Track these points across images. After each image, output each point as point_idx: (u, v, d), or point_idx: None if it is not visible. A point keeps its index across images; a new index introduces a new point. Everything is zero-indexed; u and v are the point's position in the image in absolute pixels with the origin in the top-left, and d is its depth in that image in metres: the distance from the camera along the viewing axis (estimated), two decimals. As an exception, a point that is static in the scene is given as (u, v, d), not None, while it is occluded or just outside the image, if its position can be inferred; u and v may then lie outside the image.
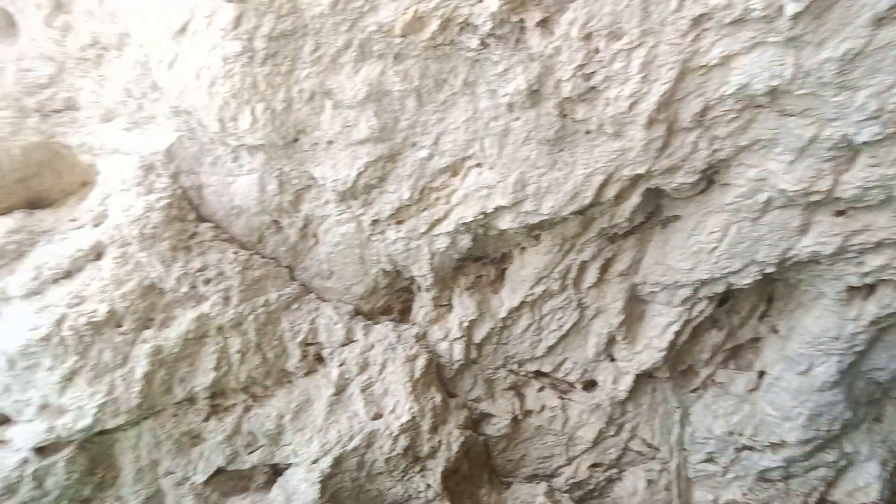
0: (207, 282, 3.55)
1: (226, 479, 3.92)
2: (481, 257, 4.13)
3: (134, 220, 3.34)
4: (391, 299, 4.31)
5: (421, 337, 4.15)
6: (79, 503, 3.79)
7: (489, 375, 4.37)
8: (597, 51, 3.16)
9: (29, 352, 3.20)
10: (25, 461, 3.47)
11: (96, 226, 3.46)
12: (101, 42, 3.55)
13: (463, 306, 4.08)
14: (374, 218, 3.71)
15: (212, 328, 3.57)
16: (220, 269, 3.59)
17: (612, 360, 4.40)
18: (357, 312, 4.16)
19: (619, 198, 3.65)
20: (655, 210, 3.93)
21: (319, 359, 4.00)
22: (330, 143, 3.50)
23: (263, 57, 3.22)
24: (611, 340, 4.29)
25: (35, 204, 3.64)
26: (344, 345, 3.97)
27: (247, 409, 3.80)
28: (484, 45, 3.16)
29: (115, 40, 3.53)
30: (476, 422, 4.39)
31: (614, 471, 4.69)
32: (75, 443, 3.55)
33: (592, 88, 3.25)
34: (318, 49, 3.26)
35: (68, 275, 3.32)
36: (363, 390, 3.90)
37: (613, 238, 3.98)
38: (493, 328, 4.15)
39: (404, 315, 4.38)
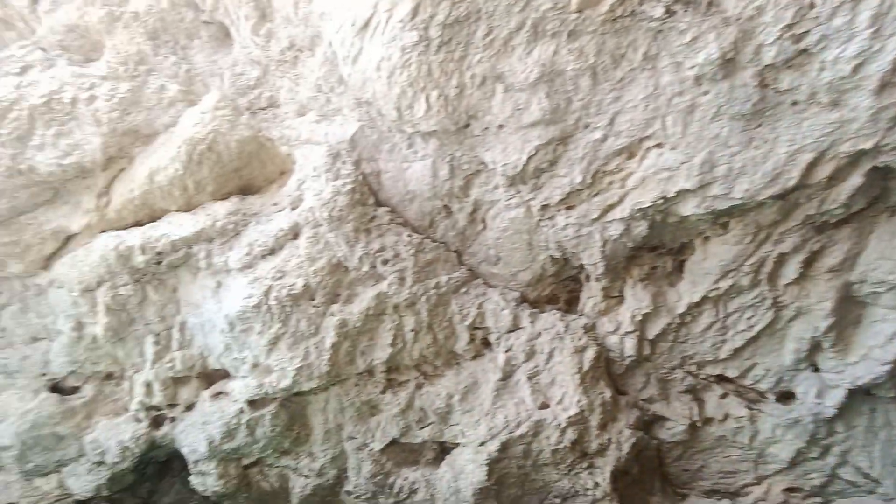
0: (385, 262, 3.79)
1: (399, 450, 4.18)
2: (657, 247, 3.82)
3: (324, 204, 3.68)
4: (557, 288, 4.20)
5: (589, 328, 3.98)
6: (280, 453, 4.35)
7: (663, 375, 4.04)
8: (811, 6, 2.69)
9: (244, 317, 3.72)
10: (241, 411, 4.06)
11: (293, 209, 3.88)
12: (296, 45, 3.95)
13: (636, 298, 3.81)
14: (543, 203, 3.63)
15: (389, 306, 3.81)
16: (397, 250, 3.80)
17: (816, 370, 3.78)
18: (523, 299, 4.12)
19: (834, 179, 3.09)
20: (882, 194, 3.27)
21: (486, 343, 4.05)
22: (500, 127, 3.49)
23: (438, 45, 3.30)
24: (815, 347, 3.68)
25: (245, 190, 4.20)
26: (510, 331, 3.96)
27: (419, 386, 4.00)
28: (669, 13, 2.88)
29: (308, 42, 3.91)
30: (648, 424, 4.10)
31: (817, 499, 4.05)
32: (278, 400, 4.06)
33: (803, 52, 2.78)
34: (491, 32, 3.25)
35: (273, 251, 3.78)
36: (530, 378, 3.86)
37: (822, 227, 3.40)
38: (669, 324, 3.82)
39: (570, 305, 4.24)
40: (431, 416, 4.03)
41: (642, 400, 4.09)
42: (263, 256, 3.79)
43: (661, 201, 3.30)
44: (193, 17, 4.00)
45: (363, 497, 4.28)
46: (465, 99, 3.43)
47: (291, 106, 3.97)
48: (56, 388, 4.49)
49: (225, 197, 4.04)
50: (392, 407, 4.05)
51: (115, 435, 4.44)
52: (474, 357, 4.04)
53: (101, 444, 4.43)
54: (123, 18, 3.88)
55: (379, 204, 3.89)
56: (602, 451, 3.84)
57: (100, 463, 4.53)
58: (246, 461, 4.50)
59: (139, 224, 4.07)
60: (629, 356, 3.93)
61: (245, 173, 4.09)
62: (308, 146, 3.87)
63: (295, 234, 3.79)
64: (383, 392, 4.07)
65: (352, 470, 4.32)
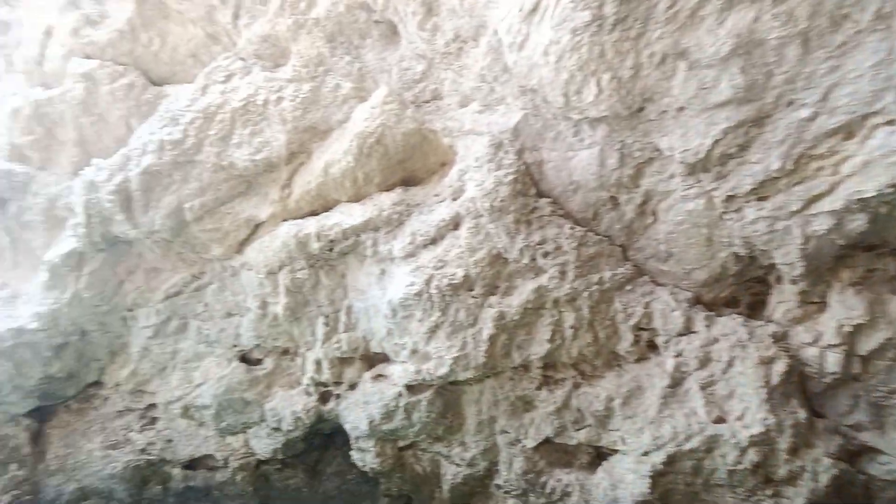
0: (546, 255, 3.66)
1: (552, 449, 4.04)
2: (876, 245, 3.18)
3: (485, 194, 3.64)
4: (739, 290, 3.72)
5: (780, 337, 3.46)
6: (433, 439, 4.45)
7: (878, 399, 3.38)
8: None
9: (406, 304, 3.84)
10: (400, 395, 4.22)
11: (454, 199, 3.90)
12: (461, 36, 3.95)
13: (845, 306, 3.23)
14: (729, 193, 3.21)
15: (548, 301, 3.67)
16: (558, 243, 3.65)
17: None
18: (696, 301, 3.72)
19: None
20: None
21: (652, 346, 3.73)
22: (680, 109, 3.15)
23: (613, 23, 3.07)
24: None
25: (408, 182, 4.33)
26: (681, 335, 3.60)
27: (576, 386, 3.82)
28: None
29: (472, 32, 3.89)
30: (854, 455, 3.47)
31: None
32: (434, 387, 4.15)
33: None
34: (675, 4, 2.93)
35: (434, 241, 3.85)
36: (703, 388, 3.47)
37: None
38: (889, 339, 3.18)
39: (754, 310, 3.73)
40: (588, 417, 3.82)
41: (847, 426, 3.47)
42: (425, 246, 3.88)
43: (891, 190, 2.73)
44: (366, 17, 4.21)
45: (513, 493, 4.21)
46: (640, 80, 3.16)
47: (454, 97, 3.99)
48: (244, 358, 5.07)
49: (390, 188, 4.21)
50: (547, 404, 3.92)
51: (290, 405, 4.89)
52: (638, 360, 3.74)
53: (278, 412, 4.91)
54: (307, 25, 4.21)
55: (540, 195, 3.76)
56: (792, 479, 3.33)
57: (276, 429, 5.02)
58: (402, 443, 4.68)
59: (314, 213, 4.41)
60: (832, 373, 3.35)
61: (408, 165, 4.21)
62: (470, 137, 3.87)
63: (456, 224, 3.81)
64: (539, 388, 3.95)
65: (503, 464, 4.27)
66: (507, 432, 4.16)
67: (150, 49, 4.67)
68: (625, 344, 3.69)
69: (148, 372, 5.16)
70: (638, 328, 3.68)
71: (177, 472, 5.35)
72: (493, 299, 3.76)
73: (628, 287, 3.70)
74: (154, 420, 5.35)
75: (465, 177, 3.84)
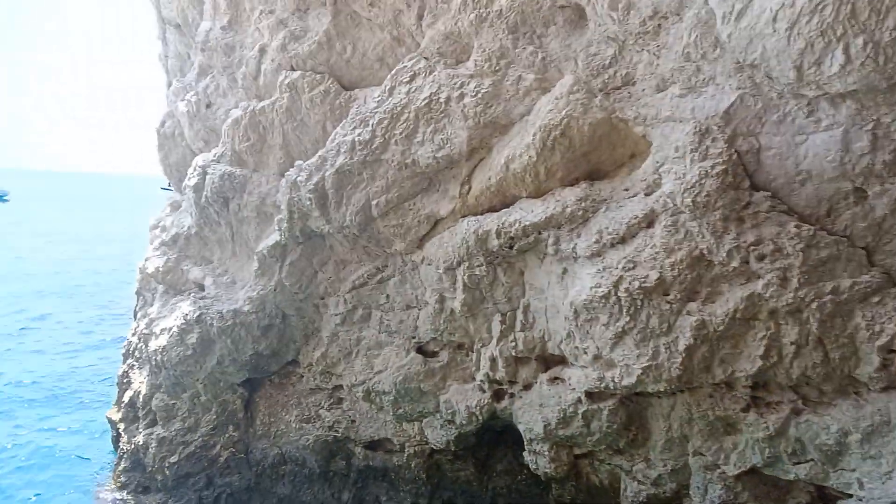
0: (761, 258, 3.14)
1: (759, 481, 3.51)
2: None
3: (687, 189, 3.24)
4: None
5: None
6: (613, 450, 4.16)
7: None
8: None
9: (590, 306, 3.60)
10: (579, 401, 4.00)
11: (648, 194, 3.55)
12: (660, 12, 3.55)
13: None
14: None
15: (763, 311, 3.16)
16: (778, 244, 3.11)
17: None
18: (974, 319, 2.92)
19: None
20: None
21: (907, 372, 3.02)
22: (967, 75, 2.45)
23: (868, -25, 2.49)
24: None
25: (590, 176, 4.05)
26: (953, 361, 2.85)
27: (796, 412, 3.25)
28: None
29: (675, 6, 3.47)
30: None
31: None
32: (617, 397, 3.85)
33: None
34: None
35: (623, 240, 3.54)
36: None
37: None
38: None
39: None
40: (812, 451, 3.22)
41: None
42: (613, 245, 3.59)
43: None
44: (550, 4, 4.01)
45: (707, 523, 3.75)
46: (905, 43, 2.52)
47: (650, 81, 3.62)
48: (421, 350, 5.24)
49: (573, 182, 3.98)
50: (756, 430, 3.40)
51: (464, 400, 4.93)
52: (886, 388, 3.05)
53: (452, 405, 4.98)
54: (489, 18, 4.14)
55: (755, 188, 3.24)
56: None
57: (450, 421, 5.11)
58: (578, 450, 4.46)
59: (492, 209, 4.36)
60: None
61: (593, 158, 3.94)
62: (668, 124, 3.47)
63: (649, 221, 3.46)
64: (745, 410, 3.44)
65: (695, 489, 3.82)
66: (702, 454, 3.71)
67: (343, 56, 5.00)
68: (868, 368, 3.03)
69: (336, 355, 5.59)
70: (888, 350, 2.99)
71: (359, 450, 5.74)
72: (692, 306, 3.34)
73: (875, 299, 3.02)
74: (340, 400, 5.80)
75: (661, 169, 3.46)
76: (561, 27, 4.03)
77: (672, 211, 3.34)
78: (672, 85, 3.53)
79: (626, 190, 3.72)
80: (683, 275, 3.31)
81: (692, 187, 3.23)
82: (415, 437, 5.45)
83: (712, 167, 3.20)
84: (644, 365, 3.47)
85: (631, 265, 3.45)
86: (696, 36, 3.33)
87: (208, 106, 6.17)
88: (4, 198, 50.71)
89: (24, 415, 8.35)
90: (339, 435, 5.74)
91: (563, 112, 3.76)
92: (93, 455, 7.35)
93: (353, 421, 5.71)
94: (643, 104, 3.67)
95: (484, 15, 4.17)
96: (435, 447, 5.34)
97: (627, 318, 3.47)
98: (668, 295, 3.38)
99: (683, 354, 3.36)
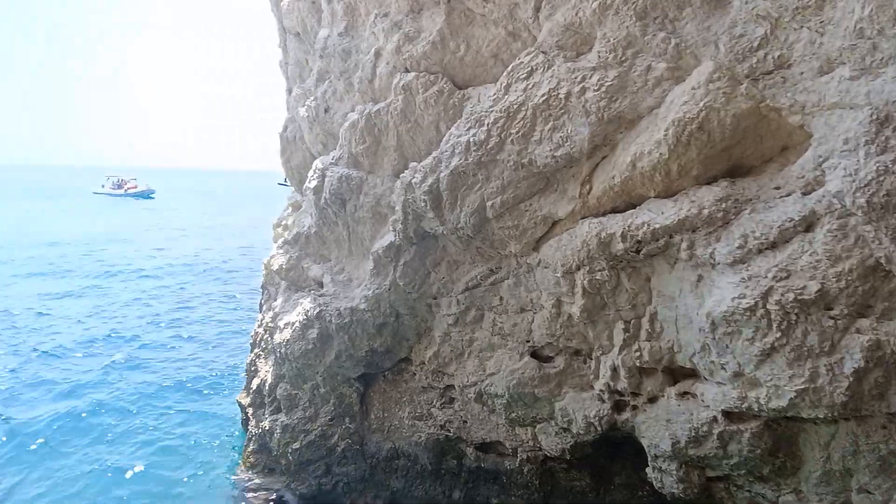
0: (960, 270, 2.63)
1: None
2: None
3: (860, 187, 2.79)
4: None
5: None
6: (755, 477, 3.75)
7: None
8: None
9: (732, 319, 3.24)
10: (714, 420, 3.64)
11: (806, 193, 3.12)
12: (823, -17, 3.09)
13: None
14: None
15: (962, 333, 2.65)
16: (984, 254, 2.59)
17: None
18: None
19: None
20: None
21: None
22: None
23: None
24: None
25: (731, 173, 3.64)
26: None
27: None
28: None
29: (842, -25, 3.00)
30: None
31: None
32: (763, 419, 3.46)
33: None
34: None
35: (774, 246, 3.14)
36: None
37: None
38: None
39: None
40: None
41: None
42: (761, 251, 3.19)
43: None
44: (684, -17, 3.64)
45: (874, 570, 3.26)
46: None
47: (811, 63, 3.16)
48: (535, 354, 5.08)
49: (710, 180, 3.61)
50: (944, 471, 2.88)
51: (581, 409, 4.71)
52: None
53: (569, 413, 4.78)
54: (614, 5, 3.85)
55: (951, 184, 2.72)
56: None
57: (566, 429, 4.91)
58: (711, 472, 4.09)
59: (615, 210, 4.08)
60: None
61: (735, 153, 3.54)
62: (835, 112, 3.01)
63: (808, 224, 3.03)
64: (931, 447, 2.93)
65: (859, 530, 3.34)
66: (869, 492, 3.22)
67: (456, 55, 4.93)
68: None
69: (448, 355, 5.59)
70: None
71: (470, 451, 5.72)
72: (863, 323, 2.89)
73: None
74: (452, 400, 5.81)
75: (825, 164, 3.01)
76: (698, 8, 3.64)
77: (839, 213, 2.90)
78: (840, 66, 3.05)
79: (777, 188, 3.30)
80: (853, 287, 2.86)
81: (867, 185, 2.77)
82: (528, 442, 5.32)
83: (893, 162, 2.72)
84: (799, 387, 3.06)
85: (784, 274, 3.05)
86: (872, 8, 2.85)
87: (326, 110, 6.40)
88: (151, 195, 57.26)
89: (166, 397, 9.36)
90: (451, 434, 5.75)
91: (702, 103, 3.41)
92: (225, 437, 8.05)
93: (465, 421, 5.70)
94: (801, 89, 3.22)
95: (608, 2, 3.88)
96: (549, 454, 5.18)
97: (778, 334, 3.07)
98: (832, 309, 2.94)
99: (851, 378, 2.92)
